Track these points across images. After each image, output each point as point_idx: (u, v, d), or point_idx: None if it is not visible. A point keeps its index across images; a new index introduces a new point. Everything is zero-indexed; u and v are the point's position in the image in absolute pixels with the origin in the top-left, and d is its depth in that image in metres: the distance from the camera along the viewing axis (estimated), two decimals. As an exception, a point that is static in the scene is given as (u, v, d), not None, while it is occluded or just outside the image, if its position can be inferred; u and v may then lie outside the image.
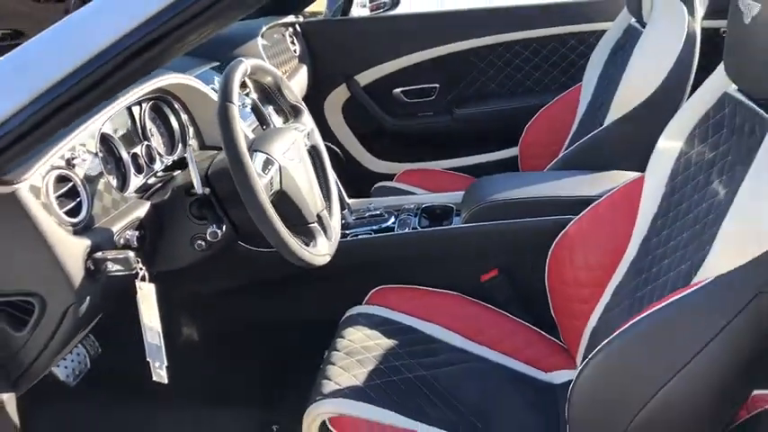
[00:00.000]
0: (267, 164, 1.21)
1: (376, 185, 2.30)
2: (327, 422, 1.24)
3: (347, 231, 1.73)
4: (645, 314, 1.07)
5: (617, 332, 1.09)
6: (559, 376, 1.50)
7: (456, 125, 2.54)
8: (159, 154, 1.41)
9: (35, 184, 1.01)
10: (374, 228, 1.74)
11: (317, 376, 1.39)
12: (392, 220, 1.77)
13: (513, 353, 1.53)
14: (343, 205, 1.76)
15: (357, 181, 2.25)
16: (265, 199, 1.12)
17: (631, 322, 1.08)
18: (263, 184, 1.14)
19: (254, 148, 1.21)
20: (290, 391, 1.72)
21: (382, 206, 1.84)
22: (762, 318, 0.98)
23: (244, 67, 1.20)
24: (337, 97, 2.56)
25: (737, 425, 1.17)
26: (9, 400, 1.10)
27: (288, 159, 1.26)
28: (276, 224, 1.13)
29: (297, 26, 2.47)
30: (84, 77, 0.91)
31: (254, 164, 1.16)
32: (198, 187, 1.18)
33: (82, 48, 0.91)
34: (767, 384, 1.21)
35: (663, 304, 1.05)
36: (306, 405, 1.31)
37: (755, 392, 1.20)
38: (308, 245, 1.26)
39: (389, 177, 2.42)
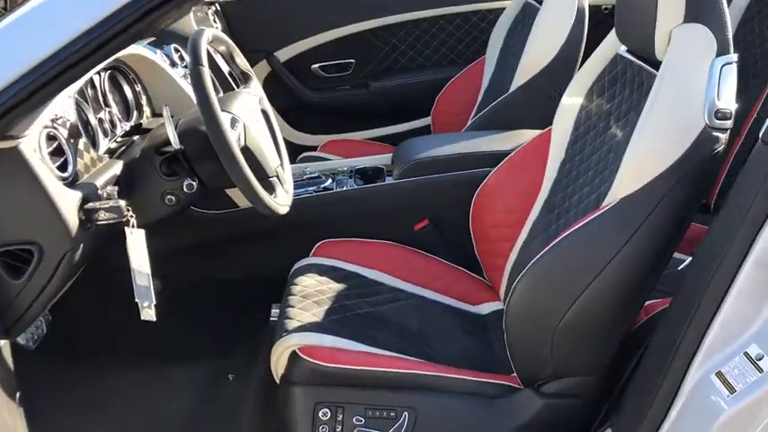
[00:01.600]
0: (234, 122, 1.34)
1: (301, 155, 2.44)
2: (297, 351, 1.39)
3: (288, 192, 1.88)
4: (562, 236, 1.30)
5: (538, 255, 1.31)
6: (486, 308, 1.72)
7: (372, 98, 2.73)
8: (119, 119, 1.50)
9: (32, 140, 1.10)
10: (313, 188, 1.90)
11: (279, 318, 1.53)
12: (329, 181, 1.93)
13: (445, 290, 1.73)
14: (281, 169, 1.91)
15: (281, 153, 2.37)
16: (237, 151, 1.25)
17: (550, 245, 1.30)
18: (234, 140, 1.27)
19: (221, 108, 1.33)
20: (242, 343, 1.84)
21: (318, 170, 2.00)
22: (659, 229, 1.23)
23: (206, 34, 1.32)
24: (258, 73, 2.67)
25: (636, 327, 1.43)
26: (4, 346, 1.19)
27: (248, 118, 1.40)
28: (248, 175, 1.27)
29: (216, 5, 2.56)
30: (81, 48, 1.01)
31: None
32: (175, 143, 1.29)
33: (77, 21, 1.01)
34: (658, 294, 1.49)
35: (578, 226, 1.28)
36: (260, 351, 1.45)
37: (649, 302, 1.47)
38: (270, 196, 1.40)
39: (312, 149, 2.57)
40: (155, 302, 1.26)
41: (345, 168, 1.99)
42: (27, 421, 1.41)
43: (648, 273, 1.26)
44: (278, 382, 1.44)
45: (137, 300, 1.25)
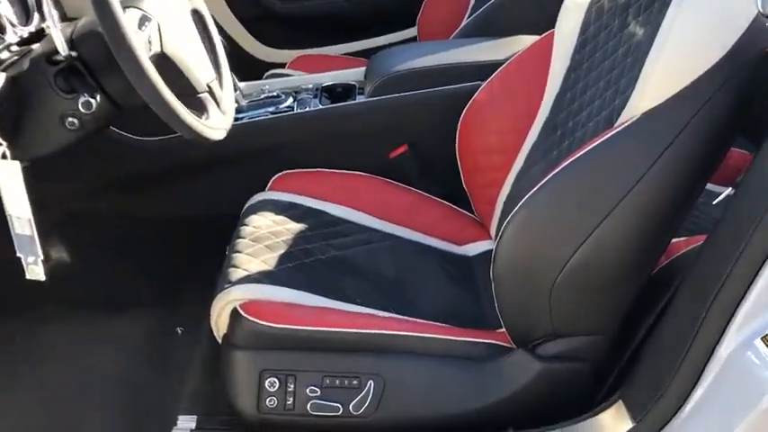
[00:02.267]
0: (143, 20, 1.04)
1: (267, 73, 2.13)
2: (239, 308, 1.14)
3: (241, 115, 1.59)
4: (567, 162, 1.03)
5: (536, 187, 1.04)
6: (474, 248, 1.47)
7: (350, 6, 2.38)
8: (11, 24, 1.20)
9: None
10: (271, 110, 1.61)
11: (223, 266, 1.27)
12: (290, 101, 1.64)
13: (426, 229, 1.48)
14: (234, 87, 1.61)
15: (245, 71, 2.06)
16: (144, 57, 0.96)
17: (552, 174, 1.03)
18: (140, 42, 0.98)
19: (125, 4, 1.03)
20: (191, 291, 1.59)
21: (278, 88, 1.70)
22: (691, 153, 0.95)
23: None
24: (218, -21, 2.33)
25: (655, 272, 1.16)
26: None
27: (166, 18, 1.10)
28: (158, 84, 0.98)
29: None
30: None
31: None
32: (62, 48, 0.99)
33: None
34: (681, 233, 1.22)
35: (587, 149, 1.01)
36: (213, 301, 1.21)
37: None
38: (200, 117, 1.12)
39: (281, 66, 2.25)
40: (41, 257, 0.99)
41: (311, 86, 1.70)
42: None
43: (676, 208, 1.00)
44: (219, 342, 1.19)
45: (18, 254, 0.98)
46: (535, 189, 1.03)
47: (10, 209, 0.94)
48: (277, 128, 1.57)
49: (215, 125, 1.15)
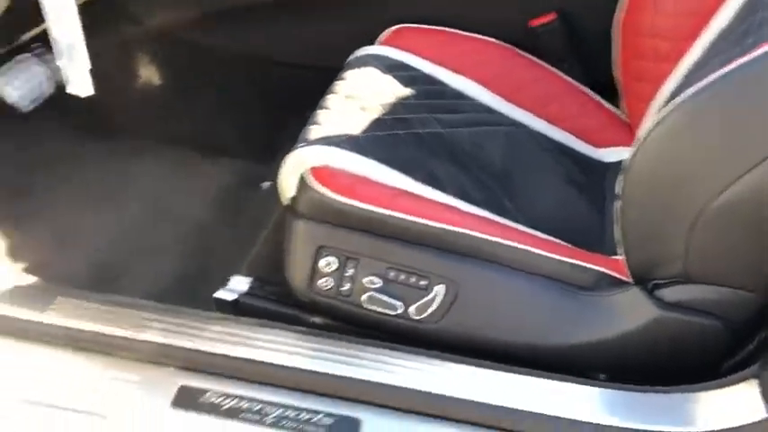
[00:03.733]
0: None
1: None
2: (308, 172, 0.97)
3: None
4: (760, 51, 0.72)
5: (707, 80, 0.75)
6: (614, 154, 1.21)
7: None
8: None
9: None
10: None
11: (307, 122, 1.10)
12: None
13: (560, 120, 1.22)
14: None
15: None
16: None
17: (733, 66, 0.74)
18: None
19: None
20: (284, 146, 1.46)
21: None
22: None
23: None
24: None
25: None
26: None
27: None
28: None
29: None
30: None
31: None
32: None
33: None
34: None
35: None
36: None
37: None
38: None
39: None
40: (89, 66, 0.84)
41: None
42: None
43: None
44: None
45: (57, 62, 0.83)
46: (703, 84, 0.75)
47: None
48: None
49: None
